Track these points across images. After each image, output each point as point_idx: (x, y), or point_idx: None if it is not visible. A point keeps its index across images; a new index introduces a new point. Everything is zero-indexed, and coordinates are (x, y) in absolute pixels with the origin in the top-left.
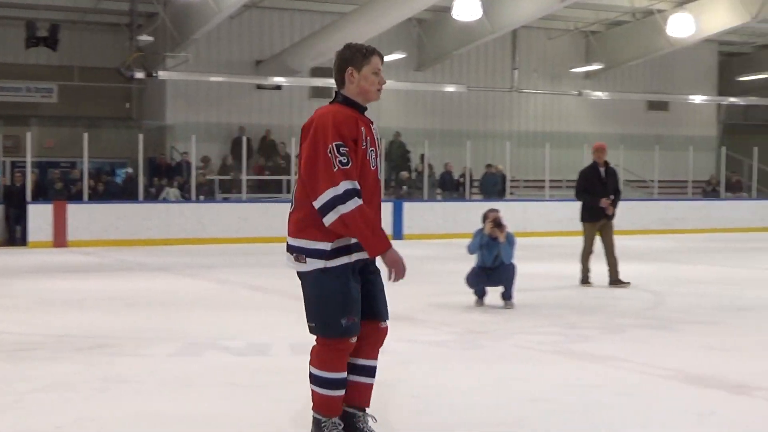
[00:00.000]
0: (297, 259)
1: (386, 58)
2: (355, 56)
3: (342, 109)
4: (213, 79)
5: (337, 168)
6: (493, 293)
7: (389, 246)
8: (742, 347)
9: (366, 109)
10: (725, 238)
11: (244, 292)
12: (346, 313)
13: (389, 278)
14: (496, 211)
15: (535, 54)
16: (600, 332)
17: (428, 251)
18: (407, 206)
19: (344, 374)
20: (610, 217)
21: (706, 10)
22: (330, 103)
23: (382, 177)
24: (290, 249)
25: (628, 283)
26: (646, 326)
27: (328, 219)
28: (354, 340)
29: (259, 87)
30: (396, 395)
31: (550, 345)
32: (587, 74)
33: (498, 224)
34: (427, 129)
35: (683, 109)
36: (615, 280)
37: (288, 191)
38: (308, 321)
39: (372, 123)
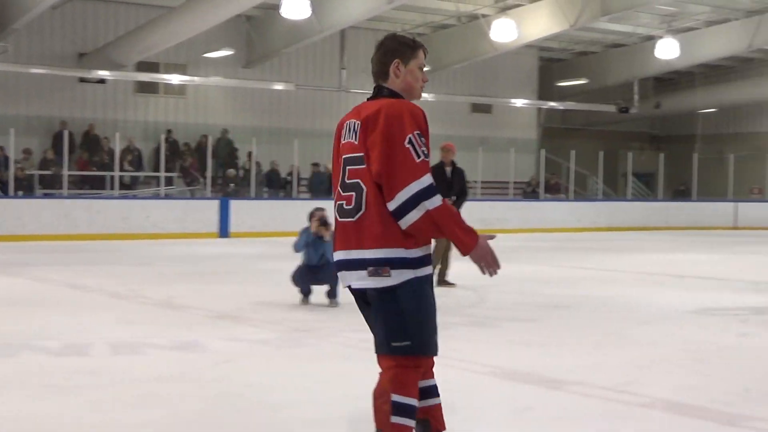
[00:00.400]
0: (376, 273)
1: (213, 55)
2: (402, 48)
3: (408, 102)
4: (34, 71)
5: (420, 158)
6: (319, 292)
7: (478, 239)
8: (559, 344)
9: None
10: (544, 238)
11: (64, 291)
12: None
13: (483, 273)
14: (322, 209)
15: (363, 54)
16: None
17: (255, 249)
18: (234, 204)
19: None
20: None
21: (527, 17)
22: (373, 98)
23: None
24: (363, 263)
25: (454, 284)
26: (467, 324)
27: (410, 218)
28: None
29: (82, 80)
30: (218, 394)
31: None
32: None
33: (324, 223)
34: (255, 126)
35: (505, 112)
36: (442, 281)
37: (112, 187)
38: (397, 341)
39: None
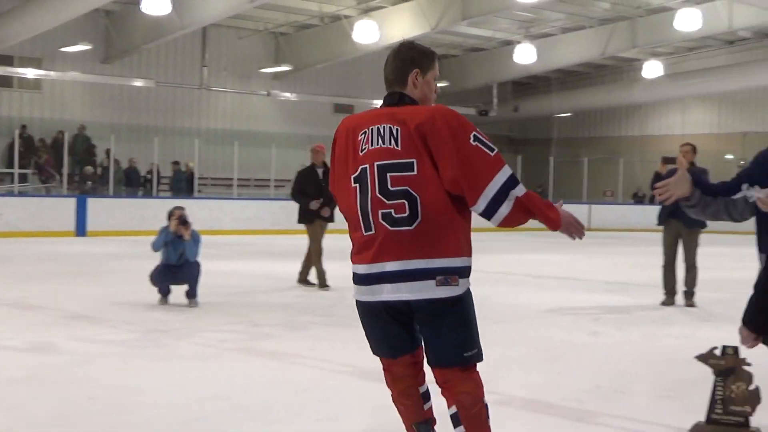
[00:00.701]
0: (445, 283)
1: (70, 49)
2: (422, 58)
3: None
4: None
5: (494, 151)
6: (178, 291)
7: (561, 214)
8: None
9: None
10: None
11: None
12: None
13: (573, 239)
14: (181, 208)
15: (225, 52)
16: (283, 330)
17: (113, 248)
18: (91, 202)
19: None
20: (327, 218)
21: (389, 19)
22: (395, 105)
23: None
24: (430, 273)
25: (315, 284)
26: (327, 323)
27: (502, 211)
28: None
29: None
30: (72, 396)
31: (233, 343)
32: (276, 75)
33: (183, 222)
34: (114, 123)
35: None
36: (304, 280)
37: None
38: (468, 350)
39: None
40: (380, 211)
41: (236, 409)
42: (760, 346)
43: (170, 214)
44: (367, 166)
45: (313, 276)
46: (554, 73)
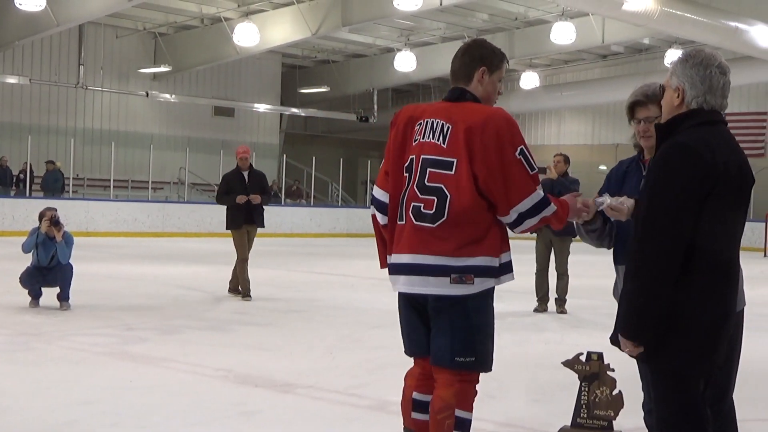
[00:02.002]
0: (459, 281)
1: None
2: (491, 57)
3: (506, 112)
4: None
5: (534, 171)
6: (50, 294)
7: (569, 210)
8: (292, 348)
9: None
10: (284, 243)
11: None
12: None
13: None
14: (53, 209)
15: (103, 51)
16: (156, 333)
17: None
18: None
19: None
20: (260, 221)
21: (270, 23)
22: (455, 100)
23: None
24: (446, 270)
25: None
26: (202, 327)
27: (527, 224)
28: None
29: None
30: None
31: (105, 347)
32: (155, 75)
33: (55, 223)
34: None
35: (248, 116)
36: (233, 288)
37: None
38: (462, 356)
39: None
40: (412, 204)
41: (105, 414)
42: (623, 353)
43: (41, 215)
44: (414, 157)
45: (188, 276)
46: (434, 81)
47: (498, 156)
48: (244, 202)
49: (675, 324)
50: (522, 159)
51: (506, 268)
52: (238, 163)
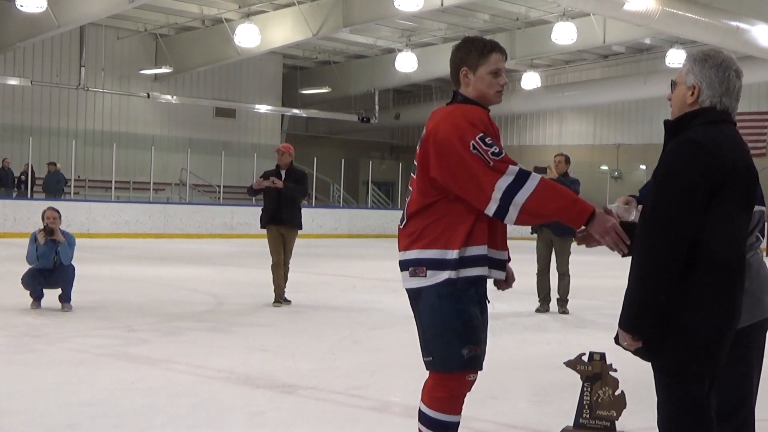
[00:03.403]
0: (414, 274)
1: None
2: (468, 56)
3: (467, 106)
4: None
5: (492, 163)
6: (52, 295)
7: (593, 209)
8: (294, 348)
9: (488, 110)
10: None
11: None
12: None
13: (612, 250)
14: (55, 210)
15: (104, 53)
16: (158, 335)
17: None
18: None
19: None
20: (291, 220)
21: (271, 24)
22: (447, 104)
23: None
24: (405, 264)
25: (290, 301)
26: (204, 328)
27: (511, 216)
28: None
29: None
30: None
31: (106, 348)
32: (156, 77)
33: (49, 231)
34: None
35: (249, 117)
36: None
37: None
38: (424, 355)
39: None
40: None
41: (107, 415)
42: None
43: (43, 215)
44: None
45: (185, 277)
46: (435, 81)
47: (452, 157)
48: (261, 186)
49: (676, 322)
50: (477, 153)
51: (471, 262)
52: (277, 160)
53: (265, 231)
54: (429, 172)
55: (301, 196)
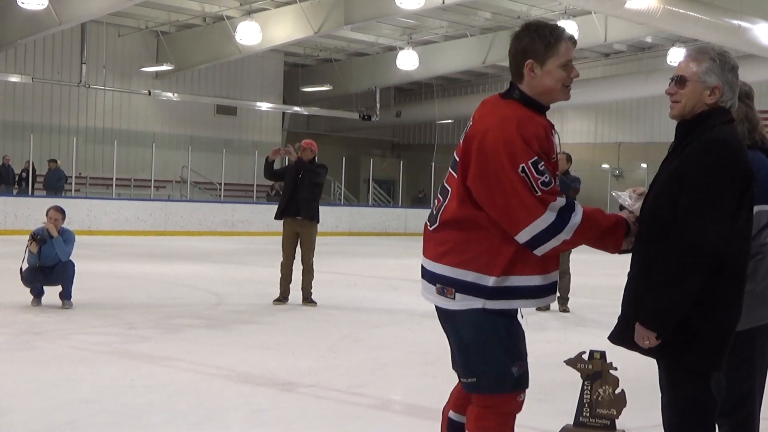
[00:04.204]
0: (441, 293)
1: None
2: (536, 46)
3: (525, 113)
4: None
5: (538, 193)
6: (52, 292)
7: (622, 239)
8: (294, 346)
9: (548, 108)
10: None
11: None
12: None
13: None
14: (59, 209)
15: (105, 50)
16: (158, 332)
17: None
18: None
19: None
20: (306, 212)
21: (272, 21)
22: (502, 96)
23: None
24: (433, 277)
25: (316, 303)
26: (204, 326)
27: (546, 248)
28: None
29: None
30: None
31: (106, 345)
32: (157, 74)
33: (41, 241)
34: None
35: (250, 114)
36: (306, 298)
37: None
38: (465, 377)
39: (553, 127)
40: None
41: (107, 413)
42: (625, 351)
43: (47, 214)
44: None
45: (185, 274)
46: (436, 79)
47: (494, 172)
48: (274, 157)
49: (686, 321)
50: (525, 178)
51: (511, 293)
52: (301, 154)
53: (278, 228)
54: (466, 179)
55: (316, 178)
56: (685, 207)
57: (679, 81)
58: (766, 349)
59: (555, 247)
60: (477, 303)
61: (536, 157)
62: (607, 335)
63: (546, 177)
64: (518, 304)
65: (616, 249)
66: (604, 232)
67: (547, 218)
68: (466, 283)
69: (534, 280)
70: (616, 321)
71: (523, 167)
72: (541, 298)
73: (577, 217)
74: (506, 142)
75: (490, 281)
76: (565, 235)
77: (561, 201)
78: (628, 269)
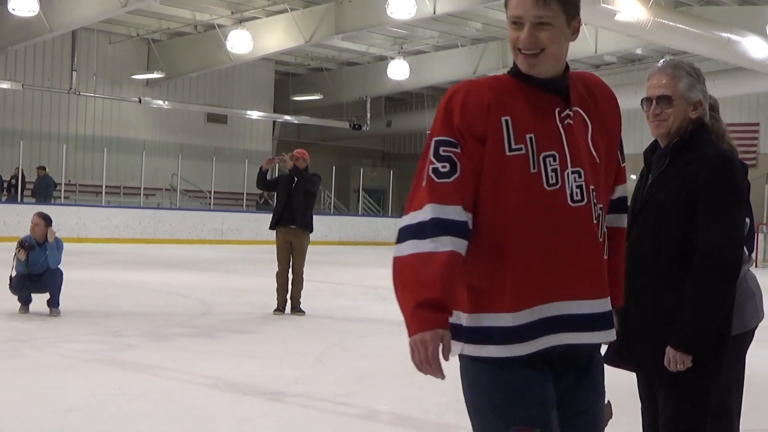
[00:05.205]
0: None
1: None
2: None
3: (490, 81)
4: None
5: (425, 182)
6: (40, 300)
7: (417, 328)
8: (282, 355)
9: (543, 79)
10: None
11: None
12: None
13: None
14: (43, 215)
15: (96, 57)
16: (146, 340)
17: None
18: None
19: None
20: (301, 222)
21: (263, 30)
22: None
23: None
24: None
25: (304, 312)
26: (192, 334)
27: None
28: None
29: None
30: None
31: (94, 353)
32: (148, 82)
33: (30, 248)
34: None
35: (241, 123)
36: (294, 307)
37: None
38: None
39: (569, 107)
40: None
41: (94, 421)
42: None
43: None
44: None
45: (176, 283)
46: (427, 89)
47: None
48: (268, 165)
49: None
50: (430, 158)
51: (481, 336)
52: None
53: (267, 236)
54: None
55: (312, 187)
56: (705, 225)
57: (663, 101)
58: (743, 359)
59: (396, 259)
60: (458, 348)
61: (445, 137)
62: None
63: (443, 166)
64: (491, 351)
65: (405, 310)
66: (411, 289)
67: (415, 216)
68: (450, 322)
69: (502, 320)
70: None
71: (431, 144)
72: (513, 344)
73: (426, 245)
74: (437, 111)
75: (462, 319)
76: (397, 251)
77: (442, 210)
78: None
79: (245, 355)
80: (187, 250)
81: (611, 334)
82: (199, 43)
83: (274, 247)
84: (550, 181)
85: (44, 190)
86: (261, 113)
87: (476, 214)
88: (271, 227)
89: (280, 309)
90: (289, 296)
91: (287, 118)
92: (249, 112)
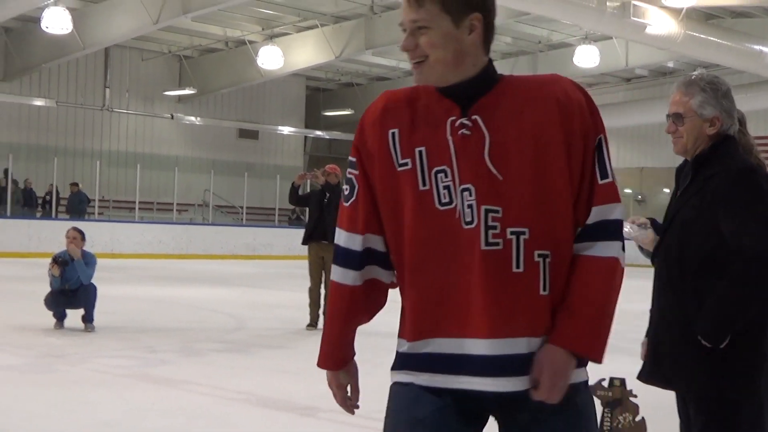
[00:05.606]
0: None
1: None
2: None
3: (405, 92)
4: None
5: (348, 201)
6: (75, 315)
7: (324, 366)
8: (314, 370)
9: (449, 86)
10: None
11: None
12: None
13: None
14: (77, 230)
15: (129, 74)
16: (178, 356)
17: (9, 270)
18: None
19: None
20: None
21: (294, 46)
22: None
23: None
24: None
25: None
26: (224, 350)
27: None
28: None
29: None
30: None
31: (127, 369)
32: (180, 98)
33: (63, 263)
34: (12, 143)
35: (272, 138)
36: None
37: None
38: None
39: (466, 114)
40: None
41: None
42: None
43: (66, 234)
44: None
45: (207, 299)
46: None
47: None
48: (300, 181)
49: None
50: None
51: (402, 362)
52: (328, 179)
53: (300, 251)
54: None
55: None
56: (745, 245)
57: (677, 118)
58: None
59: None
60: (399, 376)
61: (351, 157)
62: (629, 362)
63: (346, 188)
64: (394, 376)
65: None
66: (327, 327)
67: (338, 238)
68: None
69: (403, 346)
70: (643, 359)
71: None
72: (411, 372)
73: (337, 273)
74: None
75: (401, 344)
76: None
77: (350, 238)
78: (652, 306)
79: (278, 370)
80: (220, 266)
81: (523, 382)
82: (230, 60)
83: (306, 263)
84: (443, 200)
85: (78, 206)
86: (292, 129)
87: (388, 235)
88: (304, 242)
89: (312, 324)
90: (321, 311)
91: (318, 133)
92: (280, 127)
